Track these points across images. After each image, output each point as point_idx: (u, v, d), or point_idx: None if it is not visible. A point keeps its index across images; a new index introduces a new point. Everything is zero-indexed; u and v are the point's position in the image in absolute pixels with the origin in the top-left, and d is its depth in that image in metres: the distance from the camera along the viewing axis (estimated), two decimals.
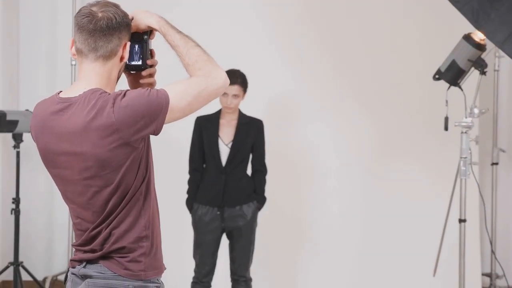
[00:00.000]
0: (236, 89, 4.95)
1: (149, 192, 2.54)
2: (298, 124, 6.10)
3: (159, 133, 2.45)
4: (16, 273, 5.60)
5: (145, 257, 2.52)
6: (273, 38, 6.09)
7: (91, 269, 2.51)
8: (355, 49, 6.09)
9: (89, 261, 2.52)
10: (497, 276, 6.05)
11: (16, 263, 5.61)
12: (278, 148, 5.90)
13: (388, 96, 6.08)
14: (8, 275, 5.80)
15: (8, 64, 6.22)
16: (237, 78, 4.96)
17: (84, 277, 2.53)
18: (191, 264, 5.10)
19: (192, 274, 5.07)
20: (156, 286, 2.56)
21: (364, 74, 6.08)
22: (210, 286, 5.07)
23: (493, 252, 5.76)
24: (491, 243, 5.60)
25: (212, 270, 5.05)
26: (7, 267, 5.66)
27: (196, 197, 5.04)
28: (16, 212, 5.61)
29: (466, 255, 5.20)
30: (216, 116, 5.07)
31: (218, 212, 4.96)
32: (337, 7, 6.11)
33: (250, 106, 5.63)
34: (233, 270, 5.07)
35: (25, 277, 5.71)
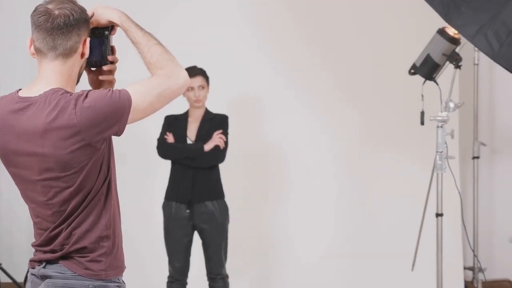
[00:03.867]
0: (200, 80, 5.03)
1: (110, 192, 2.52)
2: (276, 120, 6.07)
3: (121, 134, 2.44)
4: None
5: (106, 257, 2.50)
6: (254, 31, 6.07)
7: (50, 269, 2.50)
8: (333, 45, 6.08)
9: (49, 262, 2.51)
10: (480, 270, 6.04)
11: None
12: (254, 144, 5.90)
13: (365, 91, 6.08)
14: None
15: None
16: (197, 70, 5.06)
17: (43, 277, 2.51)
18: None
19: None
20: (117, 286, 2.54)
21: (341, 70, 6.07)
22: (186, 283, 5.08)
23: (470, 245, 5.75)
24: (467, 237, 5.58)
25: (186, 268, 5.06)
26: None
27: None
28: None
29: (447, 249, 5.20)
30: (185, 116, 5.13)
31: (188, 211, 4.97)
32: (317, 1, 6.09)
33: (227, 103, 5.65)
34: (209, 269, 5.08)
35: (4, 279, 5.69)
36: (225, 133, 5.06)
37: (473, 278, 6.12)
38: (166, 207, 5.05)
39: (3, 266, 5.71)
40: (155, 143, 5.10)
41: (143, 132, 5.47)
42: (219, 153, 4.98)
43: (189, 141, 5.04)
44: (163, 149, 5.03)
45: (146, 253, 5.89)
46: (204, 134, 5.02)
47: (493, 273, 6.31)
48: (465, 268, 6.15)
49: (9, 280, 5.75)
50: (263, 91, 6.06)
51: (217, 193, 5.04)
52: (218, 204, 5.00)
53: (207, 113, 5.11)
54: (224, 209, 5.03)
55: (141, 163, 5.89)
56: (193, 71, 5.00)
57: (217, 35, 6.01)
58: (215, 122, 5.07)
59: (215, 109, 5.17)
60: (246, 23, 6.08)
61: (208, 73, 5.13)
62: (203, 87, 5.04)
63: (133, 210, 5.86)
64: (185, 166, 4.98)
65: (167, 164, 5.16)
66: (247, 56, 6.03)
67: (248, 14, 6.09)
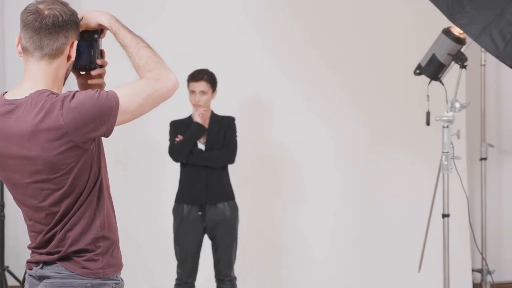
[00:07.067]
0: (202, 85, 4.95)
1: (102, 192, 2.51)
2: (283, 121, 6.06)
3: (109, 135, 2.42)
4: (1, 278, 5.58)
5: (103, 256, 2.49)
6: (260, 32, 6.05)
7: (48, 270, 2.49)
8: (340, 46, 6.06)
9: (46, 263, 2.50)
10: (488, 272, 6.01)
11: (1, 268, 5.60)
12: (262, 145, 5.89)
13: (371, 92, 6.06)
14: None
15: None
16: (203, 75, 4.97)
17: (41, 278, 2.51)
18: (176, 265, 5.09)
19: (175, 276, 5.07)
20: (115, 283, 2.52)
21: (347, 71, 6.05)
22: (194, 286, 5.05)
23: (477, 247, 5.72)
24: (475, 239, 5.55)
25: (195, 271, 5.02)
26: None
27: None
28: (1, 216, 5.60)
29: (455, 250, 5.16)
30: (190, 120, 5.04)
31: (200, 213, 4.95)
32: (324, 3, 6.08)
33: (237, 104, 5.64)
34: (217, 271, 5.05)
35: (11, 282, 5.69)
36: (234, 134, 5.04)
37: (482, 280, 6.09)
38: (177, 210, 5.02)
39: (10, 268, 5.70)
40: (163, 147, 5.06)
41: (151, 137, 5.47)
42: (232, 154, 4.97)
43: (200, 145, 4.98)
44: (174, 150, 4.95)
45: (153, 256, 5.88)
46: (213, 136, 4.99)
47: (502, 275, 6.28)
48: (473, 270, 6.12)
49: (17, 283, 5.75)
50: (270, 92, 6.05)
51: (228, 194, 5.02)
52: (229, 205, 4.99)
53: (213, 116, 5.06)
54: (235, 210, 5.02)
55: (149, 167, 5.87)
56: (198, 76, 4.94)
57: (225, 36, 5.99)
58: (223, 124, 5.03)
59: (222, 110, 5.15)
60: (252, 24, 6.06)
61: (216, 74, 5.04)
62: (204, 93, 4.95)
63: (141, 214, 5.87)
64: (198, 168, 4.94)
65: (174, 167, 5.14)
66: (255, 58, 6.01)
67: (256, 15, 6.07)
